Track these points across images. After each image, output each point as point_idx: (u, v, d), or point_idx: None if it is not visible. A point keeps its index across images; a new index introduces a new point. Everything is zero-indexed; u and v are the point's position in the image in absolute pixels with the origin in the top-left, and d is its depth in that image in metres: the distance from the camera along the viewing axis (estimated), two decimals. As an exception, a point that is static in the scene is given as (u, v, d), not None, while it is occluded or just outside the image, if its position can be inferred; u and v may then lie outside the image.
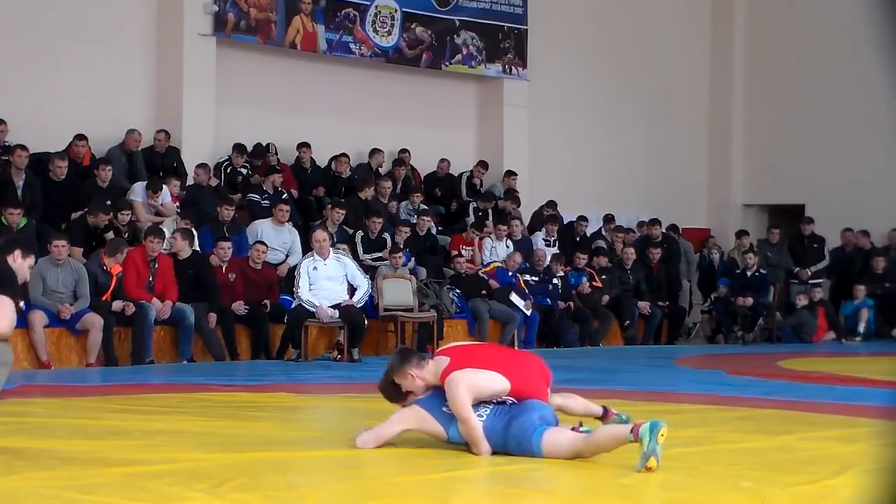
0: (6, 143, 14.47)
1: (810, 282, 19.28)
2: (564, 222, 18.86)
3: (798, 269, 19.54)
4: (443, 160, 18.76)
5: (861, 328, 18.72)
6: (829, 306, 18.88)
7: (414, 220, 16.68)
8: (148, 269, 13.06)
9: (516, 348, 15.53)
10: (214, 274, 13.70)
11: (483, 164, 19.00)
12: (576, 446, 5.94)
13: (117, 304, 12.63)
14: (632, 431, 5.70)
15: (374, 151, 18.02)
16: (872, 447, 6.84)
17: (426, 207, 17.26)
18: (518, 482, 5.68)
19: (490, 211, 17.89)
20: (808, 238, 19.86)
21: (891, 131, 19.69)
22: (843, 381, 11.50)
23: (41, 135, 14.92)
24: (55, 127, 15.09)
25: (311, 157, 17.37)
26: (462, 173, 18.94)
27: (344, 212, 15.54)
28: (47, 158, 14.36)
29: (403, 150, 18.35)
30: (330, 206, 15.72)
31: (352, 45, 18.00)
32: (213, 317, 13.32)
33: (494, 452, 6.08)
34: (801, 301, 18.49)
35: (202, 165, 15.80)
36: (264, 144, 17.08)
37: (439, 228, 17.67)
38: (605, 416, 6.70)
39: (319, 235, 13.55)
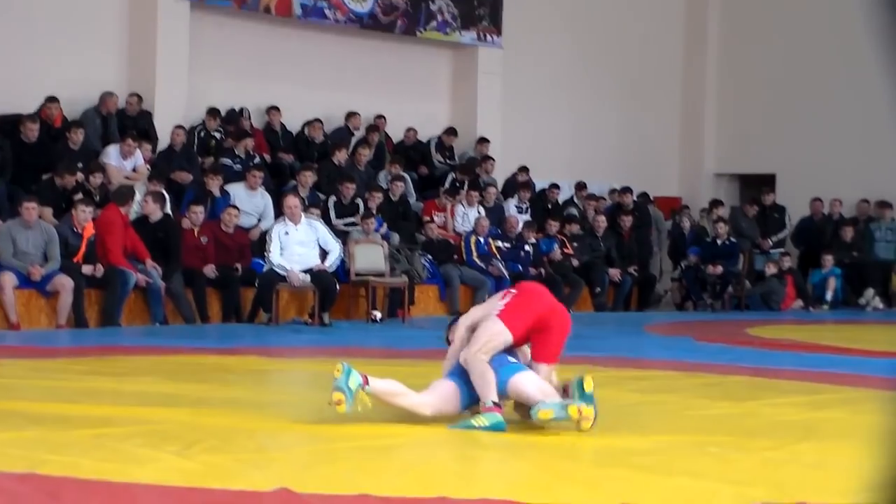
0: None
1: (771, 251, 19.40)
2: (536, 189, 18.91)
3: (760, 238, 19.67)
4: (409, 129, 18.72)
5: (828, 296, 18.88)
6: (798, 275, 19.02)
7: (386, 186, 16.67)
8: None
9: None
10: (180, 238, 13.67)
11: (452, 131, 18.98)
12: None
13: (87, 268, 12.61)
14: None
15: (351, 114, 17.97)
16: (839, 413, 6.92)
17: (402, 174, 17.24)
18: (488, 447, 5.72)
19: (467, 181, 17.88)
20: (769, 207, 19.98)
21: (862, 104, 19.79)
22: (810, 349, 11.61)
23: (12, 97, 14.79)
24: (26, 89, 14.96)
25: (282, 122, 17.32)
26: (430, 140, 18.92)
27: (310, 174, 15.48)
28: (18, 120, 14.26)
29: (379, 117, 18.30)
30: (300, 170, 15.69)
31: (326, 11, 17.91)
32: (175, 283, 13.27)
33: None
34: (770, 269, 18.62)
35: (180, 127, 15.73)
36: (238, 109, 17.01)
37: (415, 195, 17.67)
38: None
39: (291, 202, 13.53)
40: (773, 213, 19.94)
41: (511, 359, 6.22)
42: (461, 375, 6.16)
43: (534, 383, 6.10)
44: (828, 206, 20.18)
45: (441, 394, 6.14)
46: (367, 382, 5.93)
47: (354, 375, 5.89)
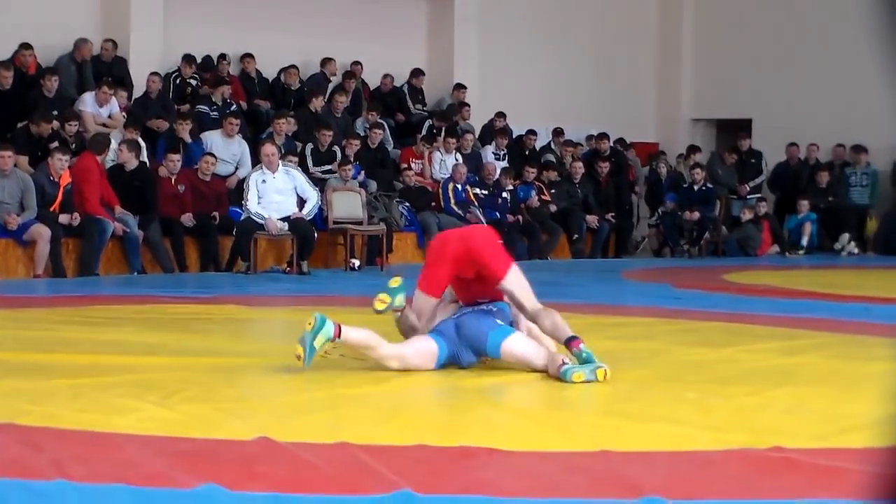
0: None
1: (748, 197, 19.46)
2: (513, 136, 18.89)
3: (738, 184, 19.71)
4: (386, 76, 18.63)
5: (804, 242, 18.97)
6: (774, 220, 19.11)
7: (363, 134, 16.62)
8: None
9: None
10: (156, 187, 13.62)
11: (419, 72, 18.86)
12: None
13: (64, 217, 12.56)
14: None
15: (326, 61, 17.87)
16: (815, 358, 6.99)
17: (380, 121, 17.18)
18: (467, 394, 5.76)
19: (444, 128, 17.83)
20: (745, 153, 20.02)
21: (839, 49, 19.80)
22: (786, 294, 11.67)
23: (-16, 44, 14.69)
24: (-1, 36, 14.86)
25: (257, 69, 17.22)
26: (402, 85, 18.80)
27: (284, 121, 15.39)
28: (-9, 68, 14.15)
29: (355, 63, 18.21)
30: (275, 117, 15.60)
31: (301, -45, 17.76)
32: (153, 232, 13.24)
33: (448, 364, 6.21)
34: (747, 215, 18.69)
35: (155, 74, 15.64)
36: (215, 55, 16.89)
37: (393, 143, 17.62)
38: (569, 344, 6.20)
39: (268, 150, 13.48)
40: (749, 159, 19.99)
41: (499, 321, 6.24)
42: (442, 333, 6.18)
43: (526, 344, 6.15)
44: (804, 151, 20.24)
45: (415, 348, 6.16)
46: (339, 335, 5.93)
47: (326, 329, 5.87)
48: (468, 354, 6.19)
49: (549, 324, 6.18)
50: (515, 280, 6.22)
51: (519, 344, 6.13)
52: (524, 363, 6.15)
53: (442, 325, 6.25)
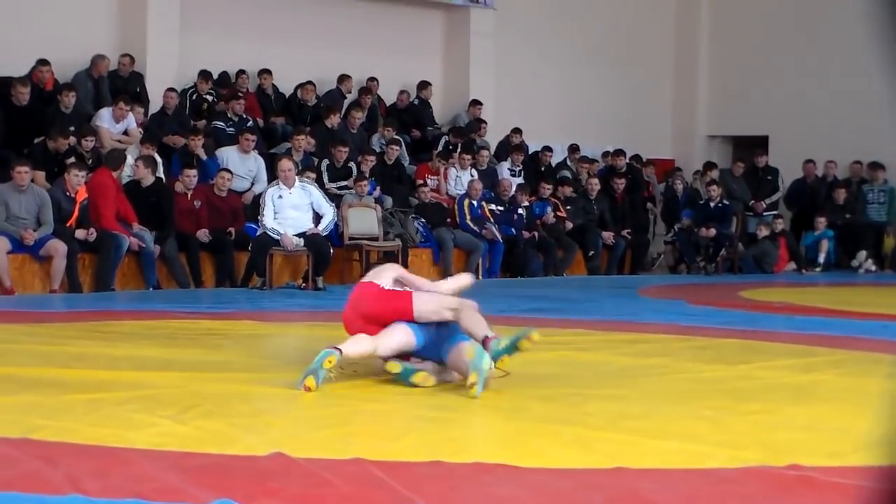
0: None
1: (765, 213, 19.41)
2: (529, 152, 18.89)
3: (753, 201, 19.66)
4: (402, 92, 18.65)
5: (821, 259, 18.92)
6: (791, 237, 19.06)
7: (378, 150, 16.64)
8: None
9: (480, 278, 15.61)
10: (172, 203, 13.64)
11: (425, 84, 18.82)
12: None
13: (80, 233, 12.60)
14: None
15: (343, 77, 17.91)
16: (831, 376, 6.96)
17: (397, 137, 17.20)
18: (481, 410, 5.74)
19: (460, 143, 17.83)
20: (762, 170, 19.99)
21: (856, 65, 19.77)
22: (803, 312, 11.63)
23: (2, 60, 14.73)
24: (17, 52, 14.90)
25: (274, 84, 17.26)
26: (412, 101, 18.77)
27: (303, 137, 15.42)
28: (9, 84, 14.20)
29: (371, 79, 18.24)
30: (294, 133, 15.64)
31: (318, -29, 17.81)
32: (169, 247, 13.27)
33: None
34: (763, 232, 18.65)
35: (172, 90, 15.68)
36: (231, 71, 16.93)
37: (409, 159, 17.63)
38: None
39: (285, 165, 13.49)
40: (766, 176, 19.95)
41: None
42: (421, 327, 6.32)
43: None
44: (821, 168, 20.20)
45: (398, 341, 6.29)
46: (341, 353, 6.04)
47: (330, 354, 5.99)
48: (436, 352, 6.27)
49: (468, 322, 6.25)
50: (423, 306, 6.35)
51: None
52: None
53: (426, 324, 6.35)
